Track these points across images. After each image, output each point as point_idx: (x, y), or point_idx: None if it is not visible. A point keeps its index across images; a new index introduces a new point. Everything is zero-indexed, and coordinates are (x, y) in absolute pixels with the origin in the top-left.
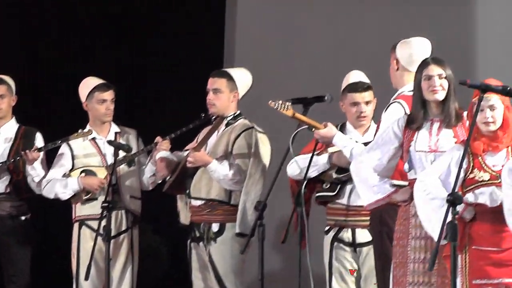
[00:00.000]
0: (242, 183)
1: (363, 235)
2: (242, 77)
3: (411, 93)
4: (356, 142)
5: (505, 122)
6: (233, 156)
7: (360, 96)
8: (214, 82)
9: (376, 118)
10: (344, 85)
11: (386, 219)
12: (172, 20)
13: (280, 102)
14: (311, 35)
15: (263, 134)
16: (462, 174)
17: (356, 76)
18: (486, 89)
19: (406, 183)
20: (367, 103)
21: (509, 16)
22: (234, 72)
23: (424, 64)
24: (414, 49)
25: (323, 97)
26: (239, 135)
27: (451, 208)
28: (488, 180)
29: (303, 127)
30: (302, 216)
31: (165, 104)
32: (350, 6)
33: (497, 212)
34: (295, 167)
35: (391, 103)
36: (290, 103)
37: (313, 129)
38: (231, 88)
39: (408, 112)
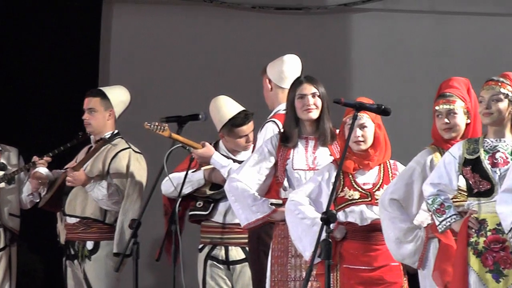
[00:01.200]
0: (120, 203)
1: (237, 253)
2: (118, 95)
3: (285, 112)
4: (234, 161)
5: (376, 140)
6: (110, 176)
7: (248, 128)
8: (89, 102)
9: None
10: (213, 112)
11: (264, 237)
12: (47, 40)
13: (156, 123)
14: (186, 54)
15: (139, 154)
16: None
17: (229, 105)
18: (360, 107)
19: (281, 201)
20: (252, 131)
21: (382, 36)
22: (109, 90)
23: (297, 83)
24: (285, 66)
25: (197, 115)
26: (115, 155)
27: (325, 227)
28: (358, 199)
29: (177, 146)
30: (176, 233)
31: (46, 122)
32: (224, 27)
33: (367, 231)
34: (169, 184)
35: (266, 122)
36: (166, 125)
37: (187, 148)
38: (105, 107)
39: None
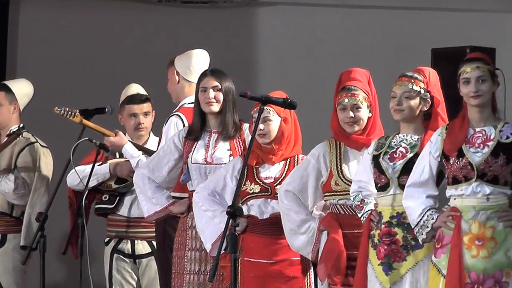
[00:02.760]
0: (27, 197)
1: (143, 247)
2: (22, 88)
3: (191, 106)
4: (145, 153)
5: (280, 135)
6: (17, 169)
7: (138, 108)
8: None
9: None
10: (122, 98)
11: (168, 230)
12: None
13: (67, 109)
14: (93, 47)
15: (46, 148)
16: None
17: (134, 89)
18: (266, 101)
19: (186, 194)
20: (145, 114)
21: (290, 29)
22: (12, 84)
23: (202, 76)
24: (193, 60)
25: (103, 108)
26: (22, 149)
27: (231, 220)
28: (258, 193)
29: (83, 139)
30: (83, 226)
31: None
32: (131, 20)
33: (267, 224)
34: (75, 177)
35: (170, 116)
36: (77, 110)
37: (94, 141)
38: (10, 100)
39: (187, 124)
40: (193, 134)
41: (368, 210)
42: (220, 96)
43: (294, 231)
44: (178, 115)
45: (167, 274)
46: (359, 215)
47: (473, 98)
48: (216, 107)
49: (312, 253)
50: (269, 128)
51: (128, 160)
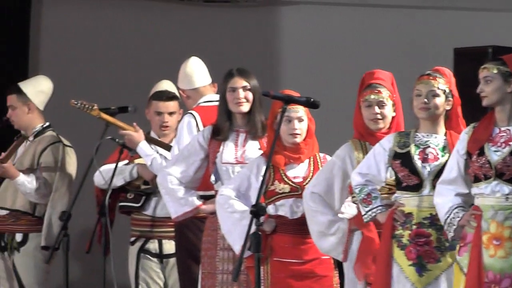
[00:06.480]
0: (48, 197)
1: (170, 246)
2: (34, 86)
3: (206, 104)
4: (158, 153)
5: (309, 134)
6: (39, 169)
7: (163, 106)
8: (8, 100)
9: None
10: (152, 92)
11: (185, 232)
12: None
13: (84, 102)
14: (116, 47)
15: (70, 148)
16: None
17: (164, 85)
18: (289, 100)
19: (210, 192)
20: (170, 113)
21: (311, 28)
22: (24, 84)
23: (228, 75)
24: (187, 69)
25: (126, 108)
26: (45, 148)
27: (254, 220)
28: (288, 192)
29: (107, 138)
30: (107, 225)
31: None
32: (153, 20)
33: (297, 224)
34: (100, 177)
35: (184, 114)
36: (95, 104)
37: (117, 140)
38: (23, 102)
39: (200, 123)
40: (222, 134)
41: (378, 206)
42: (250, 95)
43: (323, 233)
44: (191, 113)
45: (183, 275)
46: (366, 209)
47: (482, 99)
48: (246, 107)
49: (343, 254)
50: (303, 128)
51: None
